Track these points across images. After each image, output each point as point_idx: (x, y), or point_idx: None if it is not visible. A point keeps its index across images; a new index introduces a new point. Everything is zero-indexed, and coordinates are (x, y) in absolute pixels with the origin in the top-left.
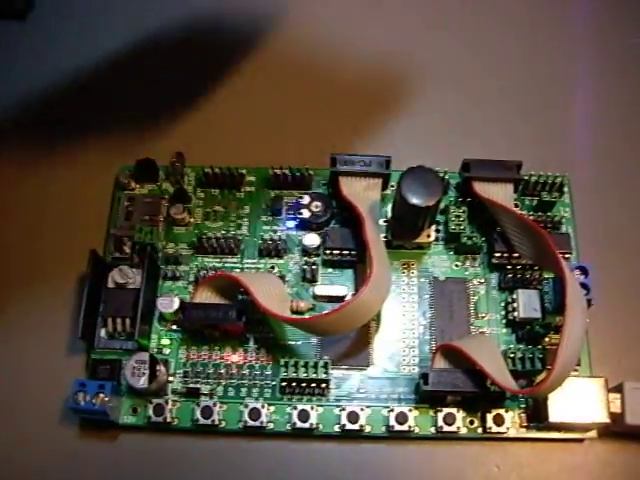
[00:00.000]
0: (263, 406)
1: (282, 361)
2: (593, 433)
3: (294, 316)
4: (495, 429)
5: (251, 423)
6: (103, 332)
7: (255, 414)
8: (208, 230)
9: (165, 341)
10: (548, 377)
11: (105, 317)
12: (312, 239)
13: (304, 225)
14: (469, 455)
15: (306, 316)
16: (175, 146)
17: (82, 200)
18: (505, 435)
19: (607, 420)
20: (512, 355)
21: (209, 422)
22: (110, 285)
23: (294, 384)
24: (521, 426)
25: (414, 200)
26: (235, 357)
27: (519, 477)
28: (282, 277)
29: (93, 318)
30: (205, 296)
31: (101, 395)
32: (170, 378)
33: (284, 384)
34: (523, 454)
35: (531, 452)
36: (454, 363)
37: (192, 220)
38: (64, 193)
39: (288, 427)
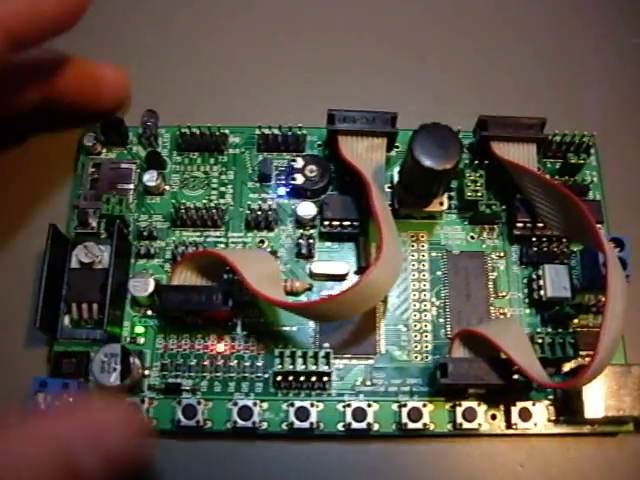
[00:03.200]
0: (255, 403)
1: (276, 352)
2: (629, 426)
3: (291, 300)
4: (521, 425)
5: (241, 423)
6: (67, 320)
7: (246, 413)
8: (187, 199)
9: (139, 329)
10: (589, 367)
11: (69, 302)
12: (307, 209)
13: (297, 192)
14: (490, 454)
15: (302, 297)
16: (147, 103)
17: (41, 167)
18: (531, 431)
19: None
20: (540, 340)
21: (193, 423)
22: (74, 265)
23: (290, 378)
24: (549, 420)
25: (428, 163)
26: (221, 346)
27: (546, 477)
28: (273, 253)
29: (55, 304)
30: (185, 277)
31: (65, 396)
32: (146, 372)
33: (279, 378)
34: (550, 451)
35: (559, 449)
36: (475, 351)
37: (168, 188)
38: (21, 159)
39: (284, 427)
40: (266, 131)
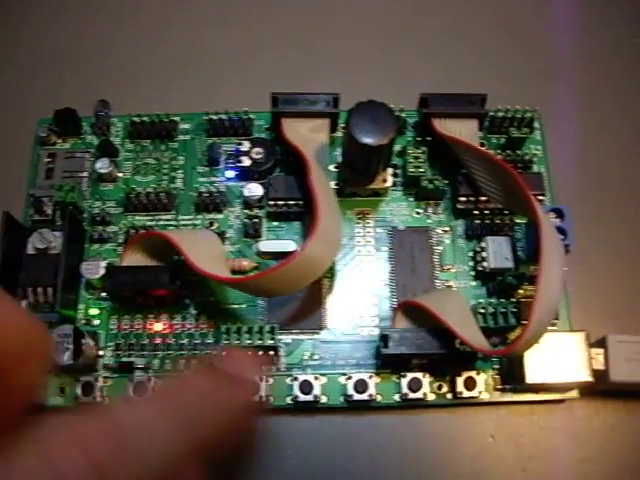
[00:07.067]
0: None
1: (223, 328)
2: (574, 393)
3: (231, 276)
4: (466, 394)
5: None
6: (24, 304)
7: None
8: (138, 185)
9: (94, 311)
10: (523, 334)
11: (24, 287)
12: (253, 189)
13: (245, 175)
14: (435, 423)
15: (254, 274)
16: (99, 93)
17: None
18: (477, 400)
19: (590, 379)
20: (483, 310)
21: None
22: (30, 251)
23: None
24: (495, 389)
25: (365, 139)
26: (159, 325)
27: (495, 443)
28: (222, 233)
29: (12, 290)
30: (135, 259)
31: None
32: (100, 352)
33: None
34: (497, 419)
35: (506, 416)
36: (418, 322)
37: (121, 175)
38: None
39: None
40: (213, 117)
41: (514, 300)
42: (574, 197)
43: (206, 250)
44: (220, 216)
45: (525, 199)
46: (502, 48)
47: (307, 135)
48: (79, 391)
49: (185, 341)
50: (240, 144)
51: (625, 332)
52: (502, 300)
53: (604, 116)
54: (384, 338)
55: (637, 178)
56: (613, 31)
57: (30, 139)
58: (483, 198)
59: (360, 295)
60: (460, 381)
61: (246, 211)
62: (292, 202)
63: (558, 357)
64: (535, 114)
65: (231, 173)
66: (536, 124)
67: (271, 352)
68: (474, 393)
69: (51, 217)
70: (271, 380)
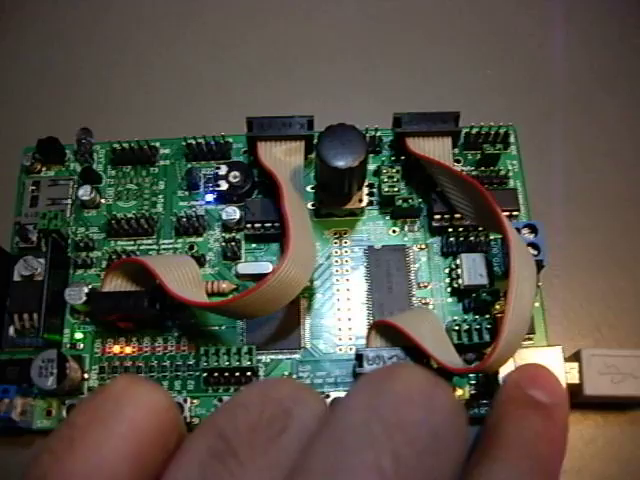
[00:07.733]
0: (186, 400)
1: (202, 350)
2: None
3: (208, 300)
4: None
5: None
6: (11, 330)
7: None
8: (120, 211)
9: (78, 335)
10: (494, 351)
11: (12, 313)
12: (230, 212)
13: (224, 198)
14: None
15: (230, 298)
16: (81, 121)
17: None
18: None
19: None
20: (457, 327)
21: None
22: (16, 278)
23: (216, 374)
24: (472, 405)
25: (336, 162)
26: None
27: None
28: (202, 256)
29: (1, 317)
30: (115, 284)
31: (5, 400)
32: (85, 375)
33: (205, 374)
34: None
35: None
36: (392, 340)
37: (103, 201)
38: None
39: None
40: (192, 141)
41: (489, 316)
42: (550, 212)
43: (183, 275)
44: (200, 239)
45: (494, 215)
46: (476, 64)
47: (282, 158)
48: (64, 414)
49: (167, 363)
50: (218, 168)
51: (603, 344)
52: (477, 317)
53: (581, 130)
54: (359, 357)
55: (614, 192)
56: (587, 44)
57: (16, 168)
58: (458, 215)
59: (337, 314)
60: None
61: (225, 234)
62: (269, 224)
63: None
64: (510, 129)
65: (210, 197)
66: (511, 139)
67: (249, 373)
68: None
69: (36, 244)
70: None
